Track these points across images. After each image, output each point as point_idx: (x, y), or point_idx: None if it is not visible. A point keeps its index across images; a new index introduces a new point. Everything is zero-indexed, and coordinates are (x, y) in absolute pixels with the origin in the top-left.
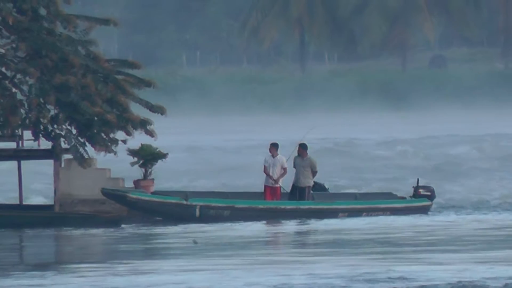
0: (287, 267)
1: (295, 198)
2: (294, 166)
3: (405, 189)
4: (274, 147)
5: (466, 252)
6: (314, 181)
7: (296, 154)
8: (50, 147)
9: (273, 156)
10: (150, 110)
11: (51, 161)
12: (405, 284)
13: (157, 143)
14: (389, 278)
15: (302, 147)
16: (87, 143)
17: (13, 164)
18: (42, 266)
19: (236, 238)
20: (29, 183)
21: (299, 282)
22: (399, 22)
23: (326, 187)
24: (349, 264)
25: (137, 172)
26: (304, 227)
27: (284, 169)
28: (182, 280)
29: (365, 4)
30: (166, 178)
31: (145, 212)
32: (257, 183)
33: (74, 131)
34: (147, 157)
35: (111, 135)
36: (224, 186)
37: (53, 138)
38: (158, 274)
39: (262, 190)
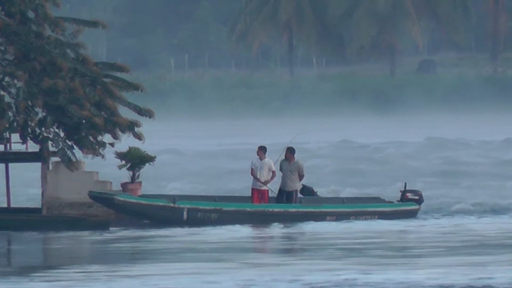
0: (262, 272)
1: (282, 202)
2: (281, 170)
3: (394, 193)
4: (262, 150)
5: (445, 256)
6: (302, 185)
7: (283, 158)
8: (37, 150)
9: (261, 159)
10: (138, 113)
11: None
12: None
13: (145, 146)
14: (365, 283)
15: (290, 151)
16: (74, 146)
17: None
18: (29, 270)
19: (221, 241)
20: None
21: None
22: (388, 27)
23: (315, 190)
24: (328, 268)
25: (125, 175)
26: (289, 231)
27: (273, 172)
28: (167, 284)
29: (353, 9)
30: (154, 181)
31: (132, 215)
32: (245, 187)
33: (62, 134)
34: (135, 160)
35: (99, 138)
36: (211, 190)
37: (41, 141)
38: (144, 278)
39: (250, 194)
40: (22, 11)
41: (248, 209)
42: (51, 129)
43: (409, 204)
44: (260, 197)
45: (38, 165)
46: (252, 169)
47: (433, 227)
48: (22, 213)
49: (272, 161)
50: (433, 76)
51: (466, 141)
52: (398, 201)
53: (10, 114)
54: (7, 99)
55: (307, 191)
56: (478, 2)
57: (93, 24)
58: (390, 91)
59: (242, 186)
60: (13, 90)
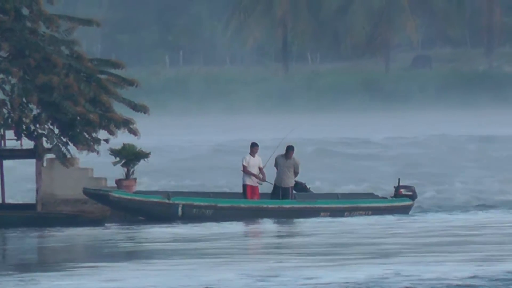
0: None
1: (278, 198)
2: (276, 166)
3: (389, 188)
4: (256, 147)
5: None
6: (295, 181)
7: (279, 154)
8: (32, 146)
9: (254, 156)
10: (133, 109)
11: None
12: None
13: (139, 142)
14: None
15: (290, 149)
16: (69, 143)
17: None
18: (23, 267)
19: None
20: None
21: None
22: (382, 22)
23: (308, 186)
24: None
25: (120, 172)
26: (279, 228)
27: (260, 169)
28: (159, 282)
29: (348, 5)
30: (150, 177)
31: (127, 212)
32: (237, 183)
33: (56, 131)
34: (129, 156)
35: (94, 135)
36: (205, 186)
37: (36, 137)
38: (139, 275)
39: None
40: (16, 8)
41: (243, 205)
42: (46, 126)
43: (402, 200)
44: (252, 192)
45: (32, 161)
46: (244, 165)
47: (422, 224)
48: (16, 209)
49: (260, 157)
50: (428, 71)
51: (460, 136)
52: (391, 197)
53: (4, 110)
54: (2, 96)
55: (300, 187)
56: None
57: (88, 22)
58: (385, 87)
59: (233, 182)
60: (7, 87)
